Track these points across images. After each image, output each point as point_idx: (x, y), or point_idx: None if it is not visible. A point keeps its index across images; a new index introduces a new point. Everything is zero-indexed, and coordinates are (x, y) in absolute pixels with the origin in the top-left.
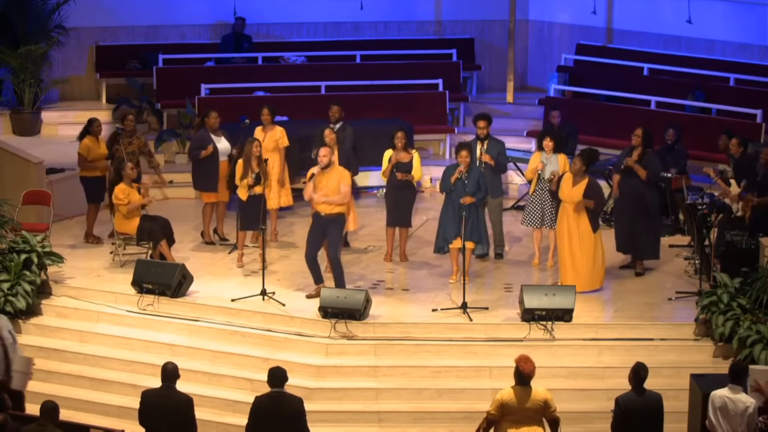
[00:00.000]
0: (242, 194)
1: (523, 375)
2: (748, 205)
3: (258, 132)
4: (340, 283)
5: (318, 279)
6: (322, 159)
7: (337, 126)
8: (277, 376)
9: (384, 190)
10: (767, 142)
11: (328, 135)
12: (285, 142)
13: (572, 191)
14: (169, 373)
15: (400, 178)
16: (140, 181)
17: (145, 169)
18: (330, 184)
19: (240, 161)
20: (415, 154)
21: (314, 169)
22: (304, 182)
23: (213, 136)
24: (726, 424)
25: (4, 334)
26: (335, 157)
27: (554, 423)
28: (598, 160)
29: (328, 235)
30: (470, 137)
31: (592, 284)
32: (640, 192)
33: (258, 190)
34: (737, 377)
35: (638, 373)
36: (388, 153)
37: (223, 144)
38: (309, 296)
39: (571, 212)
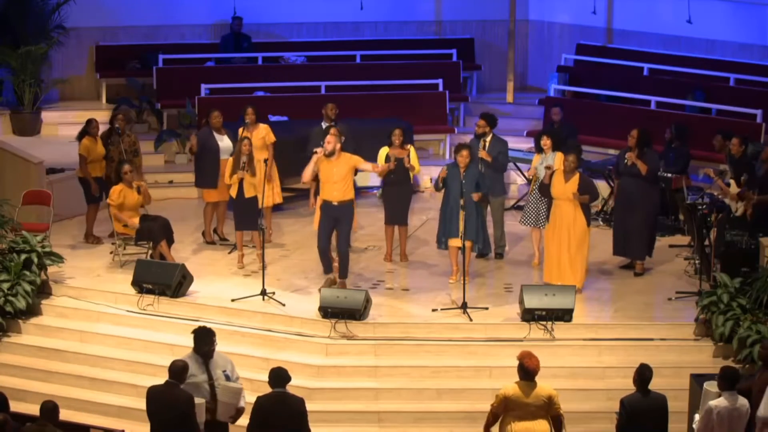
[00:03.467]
0: (232, 192)
1: (528, 370)
2: (749, 202)
3: (242, 132)
4: (343, 273)
5: (328, 269)
6: (326, 145)
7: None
8: (279, 376)
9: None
10: (767, 142)
11: (333, 131)
12: (272, 137)
13: (565, 187)
14: (174, 370)
15: (407, 165)
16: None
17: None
18: (340, 171)
19: (230, 159)
20: (411, 149)
21: (319, 149)
22: (305, 183)
23: (216, 135)
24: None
25: (216, 373)
26: (340, 146)
27: (557, 420)
28: (581, 154)
29: (338, 225)
30: (470, 137)
31: (577, 282)
32: (638, 193)
33: (250, 190)
34: (731, 382)
35: (643, 374)
36: (384, 150)
37: (225, 143)
38: (321, 288)
39: (566, 208)
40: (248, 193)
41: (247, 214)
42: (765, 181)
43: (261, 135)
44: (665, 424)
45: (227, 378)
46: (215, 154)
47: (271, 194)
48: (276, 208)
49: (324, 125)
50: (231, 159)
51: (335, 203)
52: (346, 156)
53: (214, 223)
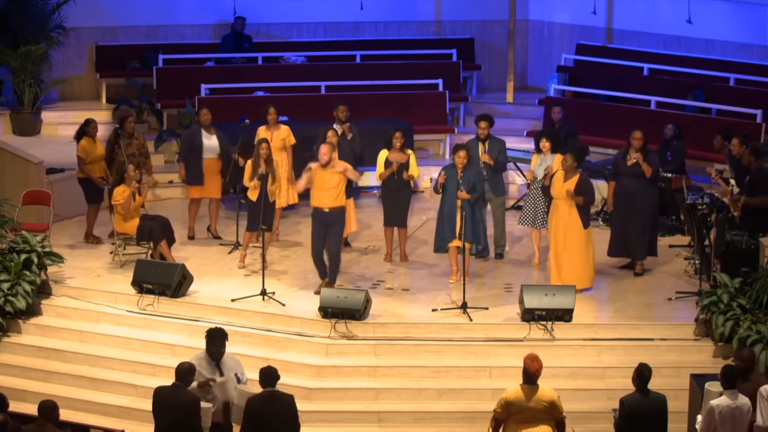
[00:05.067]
0: (252, 195)
1: (529, 374)
2: (737, 205)
3: (263, 132)
4: (333, 277)
5: (323, 274)
6: (322, 157)
7: (344, 126)
8: (269, 375)
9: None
10: (767, 142)
11: (332, 136)
12: (292, 140)
13: (563, 187)
14: (180, 373)
15: (407, 179)
16: (142, 181)
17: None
18: (333, 179)
19: (249, 162)
20: (411, 154)
21: (313, 164)
22: (298, 191)
23: (204, 132)
24: (732, 430)
25: (230, 376)
26: (335, 154)
27: (560, 424)
28: (588, 155)
29: (330, 230)
30: (470, 137)
31: (582, 282)
32: (637, 193)
33: (273, 194)
34: (733, 381)
35: (642, 374)
36: (384, 154)
37: (212, 141)
38: (317, 292)
39: (563, 209)
40: (272, 197)
41: (263, 216)
42: (752, 184)
43: (282, 136)
44: (665, 425)
45: (238, 381)
46: (198, 152)
47: (286, 195)
48: (288, 207)
49: (336, 126)
50: (250, 162)
51: (326, 210)
52: (341, 164)
53: (209, 220)
